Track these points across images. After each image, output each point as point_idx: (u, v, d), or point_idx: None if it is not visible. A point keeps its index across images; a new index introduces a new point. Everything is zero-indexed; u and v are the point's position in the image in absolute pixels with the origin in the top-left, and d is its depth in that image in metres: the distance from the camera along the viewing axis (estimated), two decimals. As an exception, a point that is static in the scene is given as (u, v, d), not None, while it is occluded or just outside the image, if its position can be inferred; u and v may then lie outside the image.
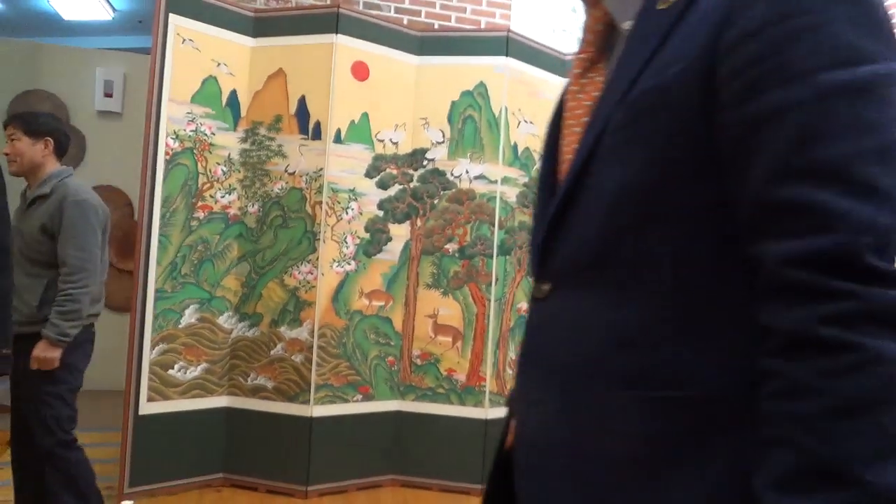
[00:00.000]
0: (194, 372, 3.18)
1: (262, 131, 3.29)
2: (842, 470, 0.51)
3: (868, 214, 0.54)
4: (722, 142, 0.60)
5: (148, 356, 3.06)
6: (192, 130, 3.17)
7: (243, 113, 3.31)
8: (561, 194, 0.69)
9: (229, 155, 3.28)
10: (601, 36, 0.73)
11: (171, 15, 3.10)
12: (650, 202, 0.63)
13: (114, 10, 6.58)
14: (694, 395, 0.61)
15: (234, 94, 3.29)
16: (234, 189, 3.30)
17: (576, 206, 0.68)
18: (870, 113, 0.55)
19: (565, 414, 0.68)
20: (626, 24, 0.69)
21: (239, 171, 3.30)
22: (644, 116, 0.63)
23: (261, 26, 3.33)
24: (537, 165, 0.81)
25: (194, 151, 3.18)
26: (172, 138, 3.12)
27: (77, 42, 6.65)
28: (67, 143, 2.51)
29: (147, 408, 3.05)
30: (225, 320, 3.27)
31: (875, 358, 0.52)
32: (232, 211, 3.29)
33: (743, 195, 0.59)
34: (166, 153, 3.10)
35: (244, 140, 3.31)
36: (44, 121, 2.46)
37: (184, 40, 3.14)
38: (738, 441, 0.59)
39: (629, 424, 0.63)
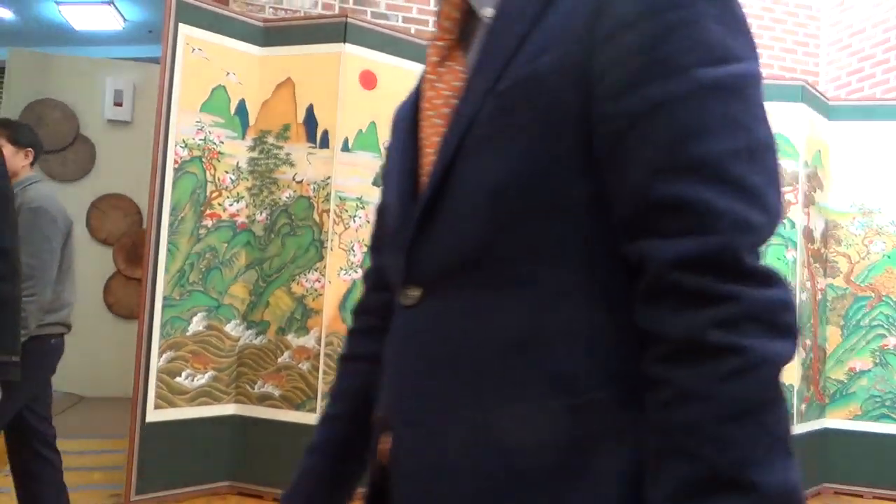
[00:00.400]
0: (201, 379, 3.19)
1: (271, 140, 3.31)
2: (736, 475, 0.51)
3: (744, 214, 0.54)
4: (600, 134, 0.58)
5: (155, 363, 3.07)
6: (200, 139, 3.19)
7: (252, 121, 3.33)
8: (428, 191, 0.64)
9: (237, 163, 3.30)
10: (459, 23, 0.70)
11: (180, 25, 3.12)
12: (528, 198, 0.60)
13: (124, 20, 6.64)
14: (588, 402, 0.58)
15: (242, 102, 3.31)
16: (243, 197, 3.31)
17: (445, 204, 0.64)
18: (739, 112, 0.55)
19: (453, 432, 0.62)
20: (487, 12, 0.66)
21: (247, 180, 3.32)
22: (517, 108, 0.60)
23: (269, 36, 3.35)
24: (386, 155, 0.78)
25: (203, 160, 3.20)
26: (181, 147, 3.14)
27: (87, 52, 6.71)
28: (38, 158, 2.56)
29: (154, 415, 3.06)
30: (232, 328, 3.28)
31: (759, 360, 0.52)
32: (240, 219, 3.31)
33: (623, 190, 0.57)
34: (175, 161, 3.12)
35: (252, 148, 3.33)
36: (28, 132, 2.52)
37: (193, 50, 3.16)
38: (636, 447, 0.57)
39: (525, 436, 0.59)
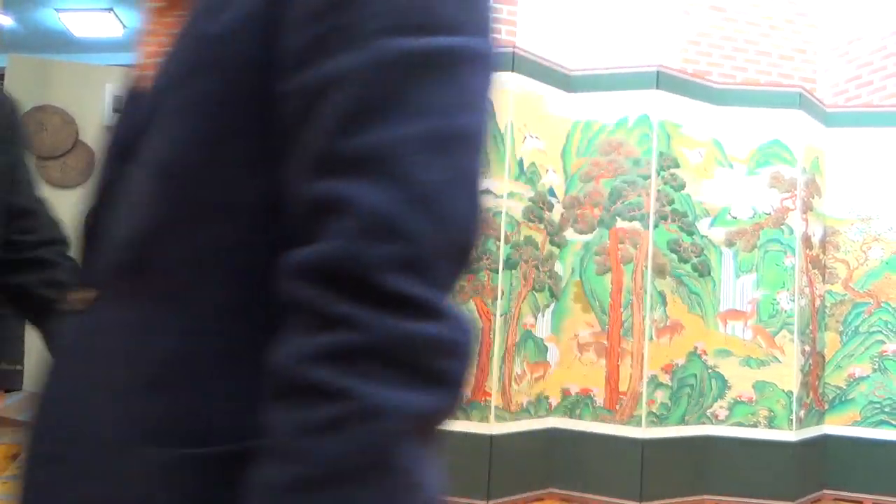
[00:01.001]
0: (200, 386, 3.18)
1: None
2: None
3: (396, 216, 0.41)
4: (278, 116, 0.47)
5: (154, 370, 3.06)
6: (199, 145, 3.19)
7: (251, 128, 3.33)
8: (104, 171, 0.54)
9: (236, 169, 3.30)
10: None
11: (180, 31, 3.13)
12: (193, 191, 0.49)
13: (124, 26, 6.65)
14: (227, 452, 0.47)
15: (241, 109, 3.31)
16: (241, 203, 3.31)
17: (122, 188, 0.53)
18: (435, 93, 0.44)
19: (76, 477, 0.49)
20: None
21: (246, 186, 3.32)
22: (196, 73, 0.49)
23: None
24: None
25: (202, 166, 3.20)
26: (180, 153, 3.14)
27: (87, 59, 6.72)
28: None
29: (152, 422, 3.05)
30: (231, 334, 3.28)
31: (367, 411, 0.40)
32: (239, 225, 3.31)
33: (290, 187, 0.46)
34: (174, 168, 3.12)
35: (251, 155, 3.33)
36: None
37: (192, 56, 3.17)
38: None
39: (144, 492, 0.47)
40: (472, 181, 0.46)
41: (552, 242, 3.55)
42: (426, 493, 0.42)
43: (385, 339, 0.40)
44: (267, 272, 0.47)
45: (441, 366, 0.42)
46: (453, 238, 0.44)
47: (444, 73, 0.45)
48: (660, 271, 3.46)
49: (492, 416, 3.30)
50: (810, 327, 3.67)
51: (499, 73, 0.50)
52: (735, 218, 3.61)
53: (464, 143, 0.45)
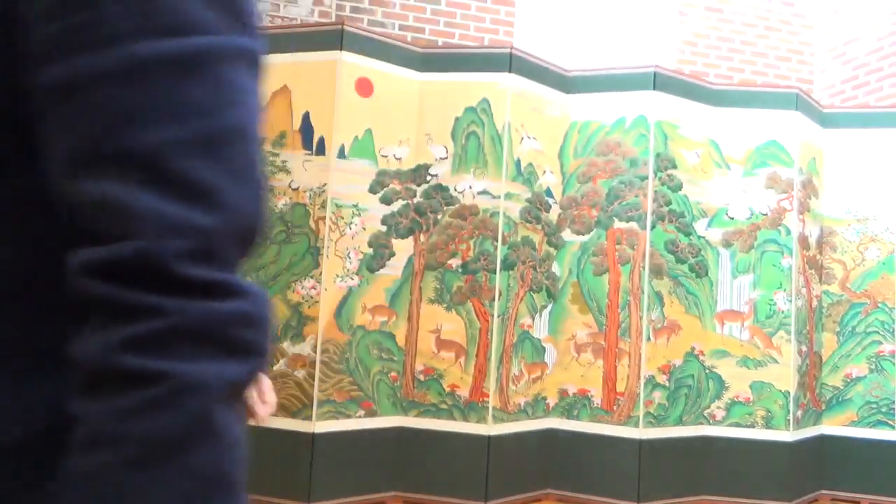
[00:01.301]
0: (197, 387, 3.18)
1: (267, 147, 3.31)
2: None
3: (178, 214, 0.44)
4: (29, 113, 0.47)
5: (150, 371, 3.06)
6: (196, 146, 3.19)
7: (248, 129, 3.33)
8: None
9: (233, 170, 3.30)
10: None
11: (177, 32, 3.13)
12: None
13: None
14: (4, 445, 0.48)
15: (238, 110, 3.31)
16: (238, 204, 3.31)
17: None
18: (196, 94, 0.46)
19: None
20: None
21: (243, 187, 3.32)
22: None
23: (266, 44, 3.35)
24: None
25: (199, 167, 3.20)
26: (177, 154, 3.14)
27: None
28: None
29: (149, 423, 3.04)
30: (228, 335, 3.28)
31: (183, 386, 0.43)
32: (236, 226, 3.30)
33: (53, 188, 0.47)
34: (171, 168, 3.12)
35: (248, 156, 3.33)
36: None
37: (189, 57, 3.17)
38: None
39: None
40: (247, 172, 0.48)
41: (549, 243, 3.55)
42: (240, 448, 0.47)
43: (193, 320, 0.44)
44: (34, 269, 0.49)
45: (246, 336, 0.46)
46: (237, 225, 0.47)
47: (205, 72, 0.46)
48: (657, 272, 3.46)
49: (489, 417, 3.30)
50: (807, 328, 3.68)
51: (264, 67, 0.52)
52: (732, 218, 3.62)
53: (232, 138, 0.47)
